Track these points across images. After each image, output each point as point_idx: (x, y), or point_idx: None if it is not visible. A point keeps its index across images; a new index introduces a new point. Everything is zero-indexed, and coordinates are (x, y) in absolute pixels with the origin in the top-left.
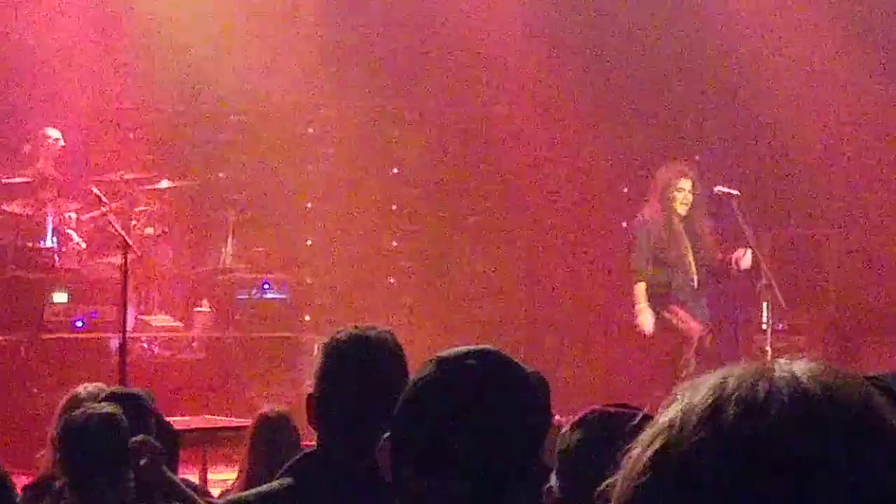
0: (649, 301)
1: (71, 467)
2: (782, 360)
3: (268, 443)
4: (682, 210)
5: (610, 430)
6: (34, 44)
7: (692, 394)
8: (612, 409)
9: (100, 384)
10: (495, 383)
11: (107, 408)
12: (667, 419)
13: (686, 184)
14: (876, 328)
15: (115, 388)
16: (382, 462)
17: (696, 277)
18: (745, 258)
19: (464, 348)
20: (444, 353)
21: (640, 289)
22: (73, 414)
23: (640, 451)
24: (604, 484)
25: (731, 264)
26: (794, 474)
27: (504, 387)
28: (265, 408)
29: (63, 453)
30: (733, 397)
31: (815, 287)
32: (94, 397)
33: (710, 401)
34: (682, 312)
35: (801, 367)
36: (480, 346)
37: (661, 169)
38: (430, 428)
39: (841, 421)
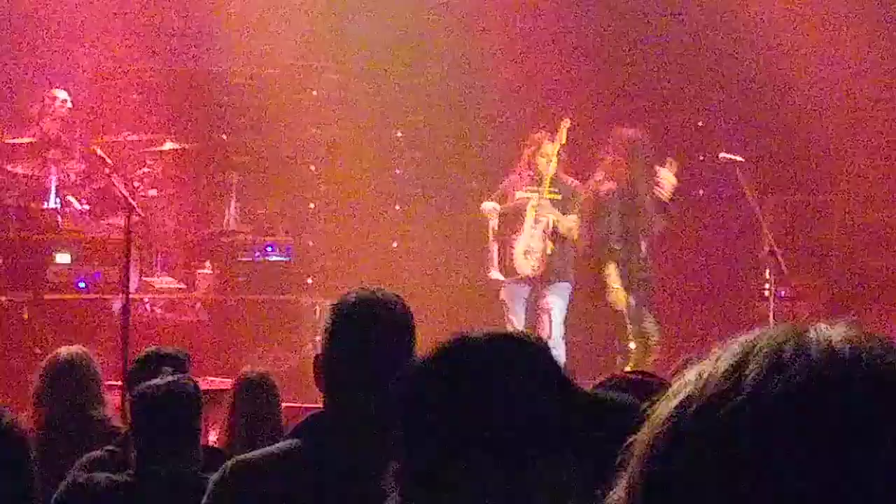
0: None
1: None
2: (821, 324)
3: (249, 403)
4: None
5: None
6: (40, 5)
7: (723, 350)
8: (632, 377)
9: (80, 346)
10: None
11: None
12: (694, 373)
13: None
14: (879, 295)
15: (156, 347)
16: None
17: None
18: None
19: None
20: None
21: None
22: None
23: (665, 402)
24: (627, 441)
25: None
26: (810, 433)
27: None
28: (246, 368)
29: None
30: (759, 354)
31: (818, 254)
32: (74, 359)
33: (736, 357)
34: None
35: (836, 331)
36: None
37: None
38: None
39: (866, 382)
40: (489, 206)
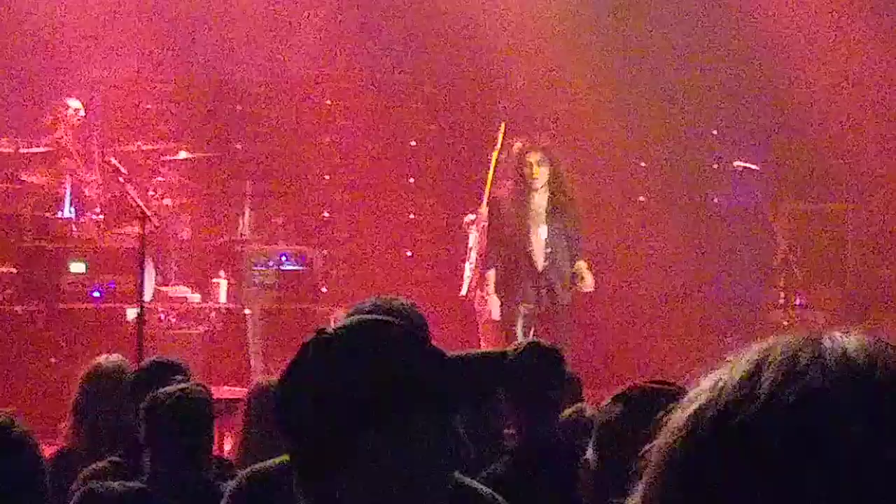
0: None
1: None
2: (837, 332)
3: (264, 413)
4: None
5: (652, 405)
6: (54, 14)
7: (739, 358)
8: (653, 385)
9: (119, 355)
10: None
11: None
12: (711, 381)
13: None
14: (894, 304)
15: (158, 357)
16: None
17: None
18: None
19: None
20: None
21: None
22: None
23: (682, 409)
24: (644, 450)
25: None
26: (825, 441)
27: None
28: (261, 377)
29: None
30: (775, 362)
31: (833, 262)
32: (116, 368)
33: (752, 364)
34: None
35: (851, 339)
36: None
37: None
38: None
39: (881, 390)
40: (467, 219)
